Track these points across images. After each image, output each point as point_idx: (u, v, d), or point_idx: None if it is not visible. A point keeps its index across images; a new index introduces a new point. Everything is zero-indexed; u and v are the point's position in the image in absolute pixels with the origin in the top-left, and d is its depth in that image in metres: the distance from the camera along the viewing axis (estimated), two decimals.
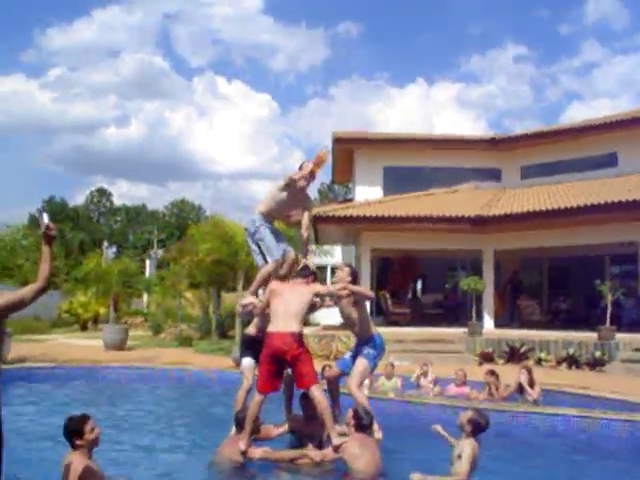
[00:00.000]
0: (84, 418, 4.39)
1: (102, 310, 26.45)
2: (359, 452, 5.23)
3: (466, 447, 4.91)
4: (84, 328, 26.17)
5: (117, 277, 18.73)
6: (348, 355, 6.43)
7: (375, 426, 5.87)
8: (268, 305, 5.87)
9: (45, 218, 3.78)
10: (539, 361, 14.21)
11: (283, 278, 6.33)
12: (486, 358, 14.54)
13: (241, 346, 6.67)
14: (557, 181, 19.72)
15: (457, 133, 31.91)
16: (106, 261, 23.72)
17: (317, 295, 6.00)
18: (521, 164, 21.35)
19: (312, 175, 6.46)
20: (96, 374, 11.45)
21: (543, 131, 21.36)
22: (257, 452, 5.60)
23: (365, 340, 6.16)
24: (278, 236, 6.57)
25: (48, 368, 11.43)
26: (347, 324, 6.33)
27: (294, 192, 6.47)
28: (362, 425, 5.42)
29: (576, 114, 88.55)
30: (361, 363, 6.08)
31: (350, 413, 5.52)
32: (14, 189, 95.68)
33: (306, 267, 6.29)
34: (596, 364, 13.58)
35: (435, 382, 9.93)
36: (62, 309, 27.25)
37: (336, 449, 5.33)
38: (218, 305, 20.69)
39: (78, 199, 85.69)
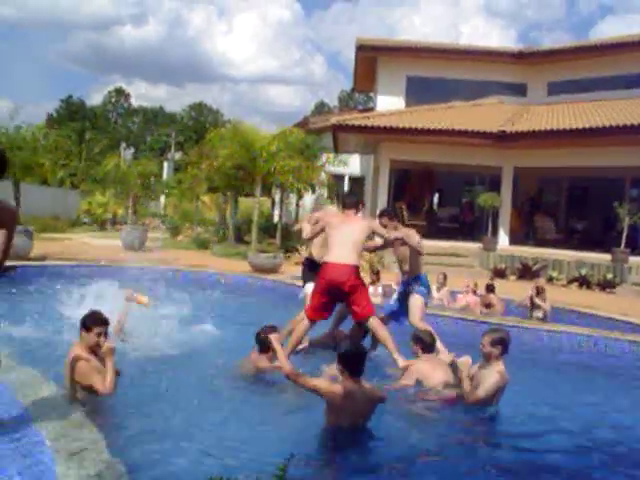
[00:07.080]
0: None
1: (120, 211, 26.78)
2: (430, 369, 5.23)
3: (490, 377, 4.66)
4: (102, 228, 26.56)
5: (136, 179, 18.82)
6: (393, 299, 6.62)
7: (439, 346, 5.87)
8: (320, 228, 5.77)
9: None
10: (550, 279, 14.38)
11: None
12: (498, 274, 14.71)
13: (303, 270, 6.65)
14: (584, 99, 19.20)
15: (484, 44, 30.96)
16: (124, 163, 23.77)
17: (372, 232, 5.84)
18: (548, 80, 20.80)
19: None
20: (118, 273, 11.59)
21: (573, 47, 20.69)
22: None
23: (413, 279, 6.35)
24: None
25: (69, 266, 11.58)
26: (399, 261, 6.53)
27: None
28: (427, 346, 5.45)
29: (608, 29, 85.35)
30: (417, 299, 6.28)
31: (413, 341, 5.49)
32: (31, 87, 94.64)
33: (351, 194, 6.18)
34: (607, 286, 13.73)
35: (449, 294, 10.18)
36: (81, 209, 27.58)
37: (405, 368, 5.31)
38: (235, 210, 20.85)
39: (95, 99, 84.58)
